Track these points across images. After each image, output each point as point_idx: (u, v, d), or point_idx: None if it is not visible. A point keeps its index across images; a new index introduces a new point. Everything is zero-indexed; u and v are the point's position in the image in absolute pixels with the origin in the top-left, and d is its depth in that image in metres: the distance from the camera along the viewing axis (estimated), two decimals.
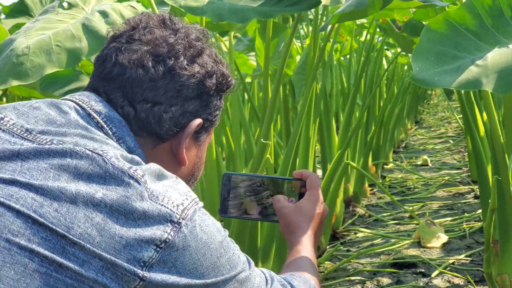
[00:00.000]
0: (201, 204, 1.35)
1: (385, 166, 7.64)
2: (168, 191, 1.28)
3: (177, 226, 1.23)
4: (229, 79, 1.58)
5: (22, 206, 1.17)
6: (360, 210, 5.33)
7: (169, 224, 1.23)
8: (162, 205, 1.23)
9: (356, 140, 5.50)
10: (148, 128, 1.45)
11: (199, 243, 1.27)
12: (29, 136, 1.29)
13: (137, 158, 1.34)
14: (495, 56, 1.73)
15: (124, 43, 1.46)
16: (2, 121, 1.32)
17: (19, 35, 2.57)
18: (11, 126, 1.31)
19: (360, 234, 4.69)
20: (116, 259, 1.18)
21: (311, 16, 5.10)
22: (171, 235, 1.22)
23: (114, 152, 1.28)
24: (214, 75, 1.51)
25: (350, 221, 5.07)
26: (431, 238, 4.13)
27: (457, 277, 3.38)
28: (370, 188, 6.24)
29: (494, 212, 2.32)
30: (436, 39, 1.85)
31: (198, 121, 1.49)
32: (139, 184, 1.23)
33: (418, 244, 4.23)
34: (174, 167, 1.50)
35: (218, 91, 1.54)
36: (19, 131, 1.31)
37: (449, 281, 3.37)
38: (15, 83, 2.32)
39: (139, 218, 1.21)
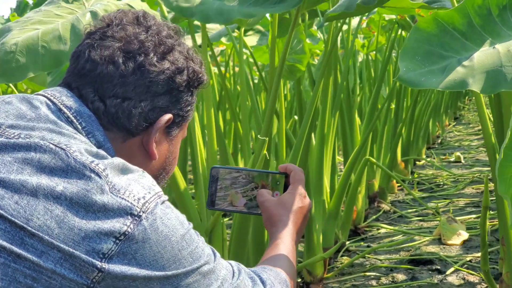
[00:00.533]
0: (165, 197, 1.36)
1: (418, 162, 7.55)
2: (131, 185, 1.29)
3: (137, 219, 1.24)
4: (200, 75, 1.58)
5: None
6: (385, 206, 5.31)
7: (129, 217, 1.23)
8: (122, 198, 1.24)
9: (382, 135, 5.43)
10: (118, 123, 1.46)
11: (159, 236, 1.28)
12: (14, 135, 1.31)
13: (102, 152, 1.36)
14: (481, 56, 1.75)
15: (97, 40, 1.48)
16: None
17: (17, 25, 2.61)
18: None
19: (382, 230, 4.67)
20: (74, 251, 1.19)
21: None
22: (130, 228, 1.23)
23: (78, 146, 1.30)
24: (185, 72, 1.53)
25: (374, 216, 5.05)
26: (451, 235, 4.11)
27: (472, 274, 3.37)
28: (398, 184, 6.15)
29: (487, 210, 2.33)
30: (424, 38, 1.86)
31: (168, 116, 1.50)
32: (100, 177, 1.25)
33: (439, 241, 4.21)
34: (144, 161, 1.52)
35: (189, 87, 1.55)
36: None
37: (463, 279, 3.35)
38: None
39: (98, 211, 1.23)
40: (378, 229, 4.69)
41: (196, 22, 3.62)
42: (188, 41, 3.63)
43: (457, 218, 4.46)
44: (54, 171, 1.26)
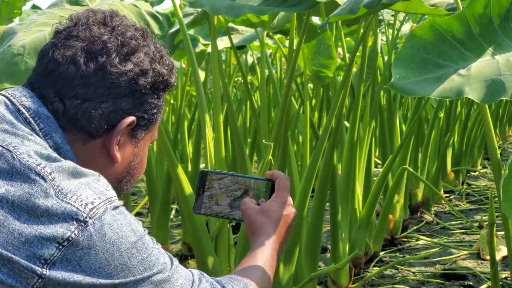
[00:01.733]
0: (118, 203, 1.34)
1: (472, 173, 7.40)
2: (80, 189, 1.28)
3: (82, 224, 1.22)
4: (166, 78, 1.55)
5: None
6: (428, 217, 5.25)
7: (74, 223, 1.22)
8: (68, 203, 1.23)
9: (428, 144, 5.35)
10: (77, 124, 1.44)
11: (106, 243, 1.26)
12: None
13: (54, 155, 1.35)
14: (479, 66, 1.72)
15: (62, 39, 1.47)
16: None
17: (22, 27, 2.61)
18: None
19: (421, 242, 4.61)
20: (13, 256, 1.18)
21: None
22: (74, 234, 1.21)
23: (27, 148, 1.30)
24: (149, 74, 1.50)
25: (415, 227, 4.99)
26: None
27: None
28: (447, 195, 6.09)
29: (493, 226, 2.29)
30: (420, 46, 1.83)
31: (130, 118, 1.47)
32: (45, 181, 1.24)
33: (477, 255, 4.14)
34: (107, 164, 1.51)
35: (154, 89, 1.53)
36: None
37: None
38: (7, 85, 2.34)
39: (41, 215, 1.22)
40: (416, 240, 4.63)
41: (230, 24, 3.67)
42: (220, 43, 3.66)
43: (501, 233, 4.39)
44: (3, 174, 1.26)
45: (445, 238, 4.67)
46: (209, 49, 3.52)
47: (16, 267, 1.19)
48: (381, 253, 4.27)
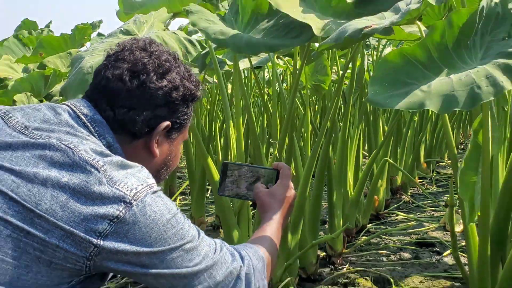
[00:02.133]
0: (157, 188, 1.37)
1: (441, 163, 7.38)
2: (127, 178, 1.31)
3: (128, 205, 1.26)
4: (193, 92, 1.58)
5: (3, 186, 1.23)
6: (406, 198, 5.25)
7: (122, 204, 1.26)
8: (117, 189, 1.27)
9: (405, 140, 5.37)
10: (124, 128, 1.49)
11: (147, 220, 1.30)
12: (25, 131, 1.35)
13: (107, 151, 1.38)
14: (437, 84, 1.72)
15: (112, 61, 1.51)
16: (10, 119, 1.39)
17: (87, 54, 2.63)
18: (15, 123, 1.38)
19: (399, 217, 4.62)
20: (74, 230, 1.22)
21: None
22: (122, 212, 1.25)
23: (84, 146, 1.33)
24: (180, 89, 1.53)
25: (395, 205, 5.01)
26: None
27: (464, 256, 3.30)
28: (420, 180, 6.12)
29: (452, 208, 2.30)
30: (391, 68, 1.85)
31: (166, 123, 1.51)
32: (99, 172, 1.28)
33: (444, 228, 4.16)
34: (148, 158, 1.54)
35: (184, 101, 1.56)
36: (19, 127, 1.37)
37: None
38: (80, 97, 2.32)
39: (96, 198, 1.25)
40: (396, 216, 4.64)
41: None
42: (241, 64, 3.66)
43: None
44: (62, 166, 1.29)
45: (418, 214, 4.68)
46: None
47: (77, 239, 1.23)
48: (368, 225, 4.29)
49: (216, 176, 2.83)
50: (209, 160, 2.97)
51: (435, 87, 1.72)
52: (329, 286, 3.07)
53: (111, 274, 1.46)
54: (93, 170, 1.28)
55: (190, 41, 2.81)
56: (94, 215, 1.25)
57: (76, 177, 1.27)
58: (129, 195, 1.28)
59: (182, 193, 5.49)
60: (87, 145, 1.34)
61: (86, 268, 1.28)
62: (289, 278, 2.81)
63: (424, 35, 2.12)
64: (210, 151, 4.13)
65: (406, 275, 3.21)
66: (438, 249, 3.72)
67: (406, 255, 3.60)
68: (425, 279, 3.13)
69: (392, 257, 3.57)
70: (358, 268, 3.33)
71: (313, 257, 3.19)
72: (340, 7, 2.40)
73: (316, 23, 2.23)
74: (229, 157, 3.18)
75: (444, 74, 1.79)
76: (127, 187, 1.29)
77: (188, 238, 1.37)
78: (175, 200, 5.03)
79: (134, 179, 1.32)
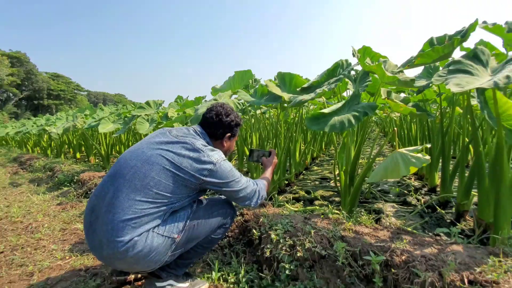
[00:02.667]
0: (225, 158, 1.35)
1: (330, 149, 7.03)
2: (215, 155, 1.33)
3: (215, 164, 1.29)
4: (239, 122, 1.51)
5: (169, 157, 1.27)
6: (318, 162, 5.06)
7: (212, 164, 1.29)
8: (210, 158, 1.29)
9: (316, 140, 5.01)
10: (213, 136, 1.46)
11: (223, 169, 1.31)
12: (176, 137, 1.35)
13: (207, 145, 1.37)
14: (332, 120, 1.73)
15: (209, 110, 1.48)
16: (170, 132, 1.38)
17: (199, 107, 2.56)
18: (172, 134, 1.38)
19: (315, 168, 4.38)
20: (195, 173, 1.27)
21: None
22: (212, 166, 1.30)
23: (199, 142, 1.35)
24: (234, 121, 1.49)
25: (314, 164, 4.77)
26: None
27: (338, 182, 3.27)
28: (323, 155, 5.78)
29: (335, 164, 2.30)
30: (314, 118, 1.82)
31: (228, 134, 1.48)
32: (204, 152, 1.30)
33: (331, 172, 3.93)
34: (222, 147, 1.49)
35: (236, 125, 1.50)
36: (174, 135, 1.37)
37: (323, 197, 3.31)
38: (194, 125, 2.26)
39: (203, 162, 1.29)
40: (314, 167, 4.43)
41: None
42: (258, 111, 3.59)
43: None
44: (191, 150, 1.30)
45: (322, 167, 4.46)
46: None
47: (196, 176, 1.26)
48: (304, 172, 4.11)
49: (247, 153, 2.78)
50: (245, 148, 2.99)
51: (331, 121, 1.72)
52: (288, 194, 3.02)
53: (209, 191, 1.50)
54: (201, 152, 1.30)
55: (238, 103, 2.83)
56: (202, 168, 1.27)
57: (195, 154, 1.29)
58: (215, 161, 1.30)
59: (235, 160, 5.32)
60: (200, 142, 1.36)
61: (199, 187, 1.30)
62: (274, 192, 2.80)
63: (325, 103, 2.14)
64: (247, 144, 3.99)
65: (316, 190, 3.15)
66: (328, 180, 3.59)
67: (317, 182, 3.50)
68: (323, 191, 3.07)
69: (311, 183, 3.48)
70: (299, 187, 3.27)
71: (283, 182, 3.17)
72: (295, 91, 2.42)
73: (286, 96, 2.25)
74: (252, 146, 3.18)
75: (334, 117, 1.77)
76: (215, 158, 1.31)
77: (237, 177, 1.37)
78: (231, 161, 4.90)
79: (217, 155, 1.34)
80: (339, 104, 1.91)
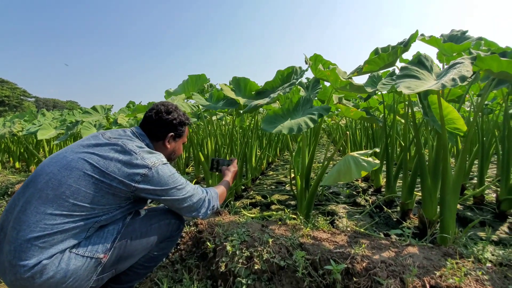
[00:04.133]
0: (165, 162, 1.16)
1: (285, 155, 7.16)
2: (151, 158, 1.14)
3: (149, 169, 1.09)
4: (184, 121, 1.33)
5: (92, 160, 1.07)
6: (273, 167, 5.04)
7: (146, 168, 1.10)
8: (145, 161, 1.11)
9: (272, 145, 4.99)
10: (153, 136, 1.27)
11: (159, 175, 1.11)
12: (109, 139, 1.15)
13: (143, 146, 1.19)
14: (285, 123, 1.65)
15: (150, 109, 1.31)
16: (103, 134, 1.19)
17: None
18: (105, 136, 1.18)
19: (270, 172, 4.32)
20: (123, 179, 1.07)
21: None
22: (146, 171, 1.09)
23: (133, 144, 1.16)
24: (177, 119, 1.31)
25: (270, 168, 4.69)
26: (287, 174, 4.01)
27: (294, 186, 3.22)
28: (278, 160, 5.78)
29: (290, 169, 2.22)
30: (270, 117, 1.74)
31: (171, 133, 1.29)
32: (136, 154, 1.11)
33: (286, 176, 3.92)
34: (164, 149, 1.30)
35: (179, 124, 1.32)
36: (107, 137, 1.17)
37: (279, 201, 3.26)
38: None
39: (135, 166, 1.08)
40: (269, 172, 4.37)
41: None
42: (214, 117, 3.40)
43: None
44: (121, 152, 1.11)
45: (278, 171, 4.41)
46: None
47: (125, 183, 1.07)
48: (260, 176, 4.00)
49: (202, 159, 2.64)
50: (200, 154, 2.82)
51: (285, 124, 1.63)
52: (245, 199, 2.90)
53: (149, 201, 1.27)
54: (133, 154, 1.11)
55: (193, 106, 2.64)
56: (134, 173, 1.08)
57: (125, 157, 1.10)
58: (150, 164, 1.11)
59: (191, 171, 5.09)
60: (134, 143, 1.17)
61: (131, 196, 1.11)
62: (231, 198, 2.66)
63: (280, 106, 2.06)
64: (203, 151, 3.81)
65: (272, 194, 3.08)
66: (283, 184, 3.53)
67: (273, 186, 3.42)
68: (279, 195, 3.00)
69: (268, 187, 3.40)
70: (256, 192, 3.17)
71: (240, 188, 3.05)
72: (250, 95, 2.30)
73: (241, 100, 2.13)
74: (208, 152, 3.00)
75: (289, 119, 1.70)
76: (151, 161, 1.12)
77: (180, 183, 1.17)
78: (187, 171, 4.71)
79: (154, 158, 1.14)
80: (292, 107, 1.82)
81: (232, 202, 2.43)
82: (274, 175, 4.14)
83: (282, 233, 1.43)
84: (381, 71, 2.35)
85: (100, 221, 1.05)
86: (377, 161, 1.49)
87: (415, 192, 2.07)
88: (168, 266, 1.53)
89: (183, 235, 1.65)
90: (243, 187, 3.31)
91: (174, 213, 1.28)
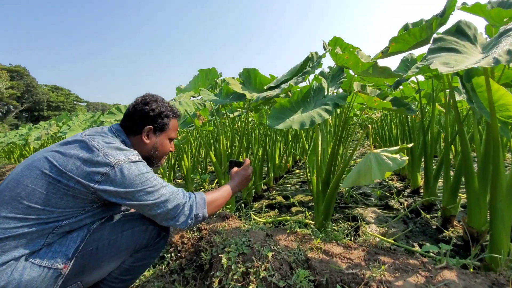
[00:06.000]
0: (136, 160, 1.00)
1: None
2: (117, 154, 0.98)
3: (111, 167, 0.96)
4: (165, 113, 1.17)
5: (52, 158, 0.96)
6: (300, 164, 4.83)
7: (108, 167, 0.96)
8: (107, 159, 0.97)
9: (293, 145, 4.89)
10: (130, 130, 1.13)
11: (123, 175, 0.96)
12: (84, 137, 1.03)
13: (113, 142, 1.03)
14: (295, 117, 1.46)
15: (132, 104, 1.16)
16: (83, 132, 1.07)
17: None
18: (83, 134, 1.06)
19: (296, 171, 4.12)
20: (81, 179, 0.95)
21: None
22: (107, 170, 0.95)
23: (100, 140, 1.02)
24: (156, 111, 1.14)
25: (296, 167, 4.51)
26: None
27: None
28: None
29: (307, 169, 2.00)
30: (276, 111, 1.55)
31: (148, 126, 1.13)
32: (99, 150, 0.98)
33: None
34: (143, 145, 1.14)
35: (159, 116, 1.15)
36: (83, 135, 1.05)
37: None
38: None
39: (95, 164, 0.96)
40: (295, 171, 4.21)
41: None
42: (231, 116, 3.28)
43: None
44: (83, 149, 0.99)
45: (302, 171, 4.30)
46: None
47: (83, 183, 0.95)
48: (285, 175, 3.84)
49: (213, 159, 2.48)
50: (211, 153, 2.70)
51: (295, 118, 1.43)
52: (265, 200, 2.73)
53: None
54: (96, 150, 0.97)
55: (200, 104, 2.52)
56: (93, 171, 0.94)
57: (87, 154, 0.96)
58: (114, 162, 0.96)
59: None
60: (103, 140, 1.03)
61: (95, 199, 0.97)
62: (250, 198, 2.51)
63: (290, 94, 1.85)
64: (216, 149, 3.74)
65: (295, 194, 2.88)
66: (306, 183, 3.33)
67: (297, 186, 3.23)
68: (302, 196, 2.79)
69: (292, 187, 3.20)
70: (278, 192, 2.98)
71: (260, 188, 2.87)
72: (261, 89, 2.12)
73: (248, 94, 1.96)
74: (221, 150, 2.86)
75: (300, 113, 1.49)
76: (116, 158, 0.97)
77: (151, 185, 0.99)
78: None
79: (121, 155, 0.99)
80: (301, 98, 1.60)
81: (249, 203, 2.28)
82: (301, 174, 3.92)
83: (288, 245, 1.22)
84: (414, 53, 2.01)
85: (61, 226, 0.94)
86: (405, 158, 1.22)
87: (459, 195, 1.74)
88: (166, 275, 1.41)
89: (185, 241, 1.51)
90: (265, 187, 3.12)
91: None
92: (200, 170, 3.63)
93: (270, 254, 1.12)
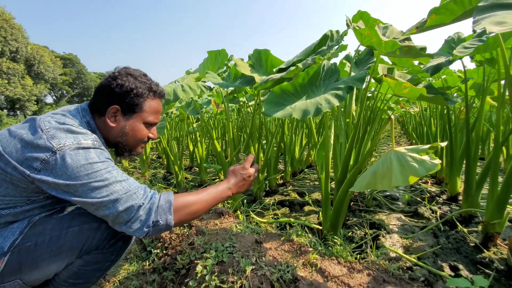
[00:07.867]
0: (87, 146, 0.82)
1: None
2: (65, 138, 0.81)
3: (53, 153, 0.79)
4: (140, 92, 0.94)
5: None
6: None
7: (49, 152, 0.79)
8: (50, 143, 0.79)
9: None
10: (95, 110, 0.94)
11: (65, 163, 0.78)
12: (42, 116, 0.88)
13: (72, 123, 0.87)
14: (298, 104, 1.21)
15: (105, 77, 0.97)
16: (53, 110, 0.93)
17: (170, 85, 2.11)
18: (50, 112, 0.91)
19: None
20: (19, 165, 0.79)
21: None
22: (47, 157, 0.78)
23: (51, 119, 0.85)
24: (128, 88, 0.93)
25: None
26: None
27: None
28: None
29: (317, 166, 1.74)
30: (275, 96, 1.30)
31: (115, 105, 0.93)
32: (43, 132, 0.81)
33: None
34: (109, 128, 0.94)
35: (128, 94, 0.93)
36: (48, 114, 0.90)
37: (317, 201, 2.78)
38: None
39: (36, 147, 0.79)
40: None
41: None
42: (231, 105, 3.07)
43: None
44: (28, 128, 0.84)
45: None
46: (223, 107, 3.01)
47: (20, 169, 0.80)
48: (306, 170, 3.56)
49: (218, 149, 2.28)
50: (215, 143, 2.52)
51: (298, 105, 1.19)
52: (278, 195, 2.54)
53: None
54: (39, 131, 0.81)
55: (204, 86, 2.31)
56: (32, 157, 0.78)
57: (30, 135, 0.80)
58: (55, 147, 0.78)
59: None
60: (57, 119, 0.86)
61: (37, 189, 0.82)
62: (261, 193, 2.32)
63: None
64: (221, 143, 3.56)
65: (312, 191, 2.64)
66: (331, 180, 3.08)
67: (316, 182, 2.97)
68: (320, 194, 2.55)
69: (311, 183, 2.95)
70: (294, 188, 2.76)
71: (274, 182, 2.66)
72: (268, 71, 1.89)
73: (257, 77, 1.73)
74: (227, 145, 2.67)
75: (304, 99, 1.24)
76: (58, 142, 0.79)
77: (99, 178, 0.80)
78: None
79: (71, 139, 0.81)
80: (308, 81, 1.34)
81: (260, 198, 2.11)
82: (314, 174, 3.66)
83: (278, 256, 1.00)
84: (463, 32, 1.63)
85: (2, 215, 0.82)
86: (437, 161, 0.94)
87: (508, 207, 1.41)
88: (148, 273, 1.27)
89: (173, 237, 1.36)
90: (281, 181, 2.91)
91: None
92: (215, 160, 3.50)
93: (249, 268, 0.91)
